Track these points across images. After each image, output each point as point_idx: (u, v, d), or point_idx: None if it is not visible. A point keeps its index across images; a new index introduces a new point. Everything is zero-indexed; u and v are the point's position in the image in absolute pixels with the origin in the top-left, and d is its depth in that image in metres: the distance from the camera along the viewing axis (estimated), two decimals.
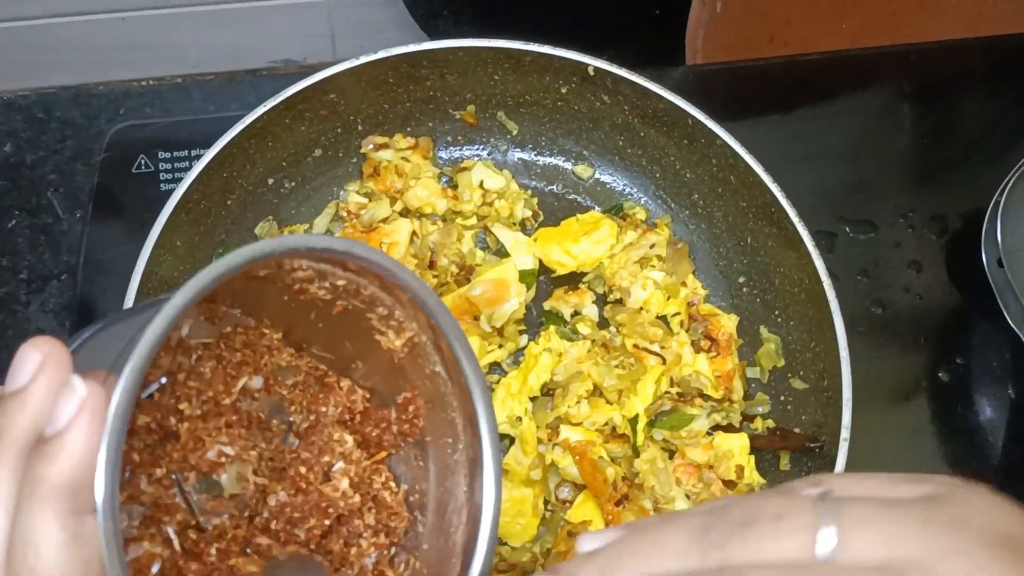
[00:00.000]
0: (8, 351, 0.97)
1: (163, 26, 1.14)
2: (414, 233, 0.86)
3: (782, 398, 0.83)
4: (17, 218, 1.04)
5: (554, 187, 0.93)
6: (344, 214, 0.88)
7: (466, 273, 0.83)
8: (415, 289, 0.45)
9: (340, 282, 0.47)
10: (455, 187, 0.89)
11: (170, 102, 1.15)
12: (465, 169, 0.89)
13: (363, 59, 0.83)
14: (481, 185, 0.88)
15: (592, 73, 0.85)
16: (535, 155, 0.94)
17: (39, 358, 0.36)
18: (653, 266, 0.86)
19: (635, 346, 0.82)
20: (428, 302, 0.46)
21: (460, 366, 0.47)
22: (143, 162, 0.99)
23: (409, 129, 0.91)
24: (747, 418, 0.82)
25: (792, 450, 0.80)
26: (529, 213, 0.89)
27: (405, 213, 0.88)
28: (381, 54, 0.83)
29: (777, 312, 0.85)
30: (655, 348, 0.82)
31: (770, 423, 0.82)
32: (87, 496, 0.32)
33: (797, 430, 0.80)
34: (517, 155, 0.94)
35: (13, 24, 1.09)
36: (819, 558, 0.29)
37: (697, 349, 0.84)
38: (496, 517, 0.46)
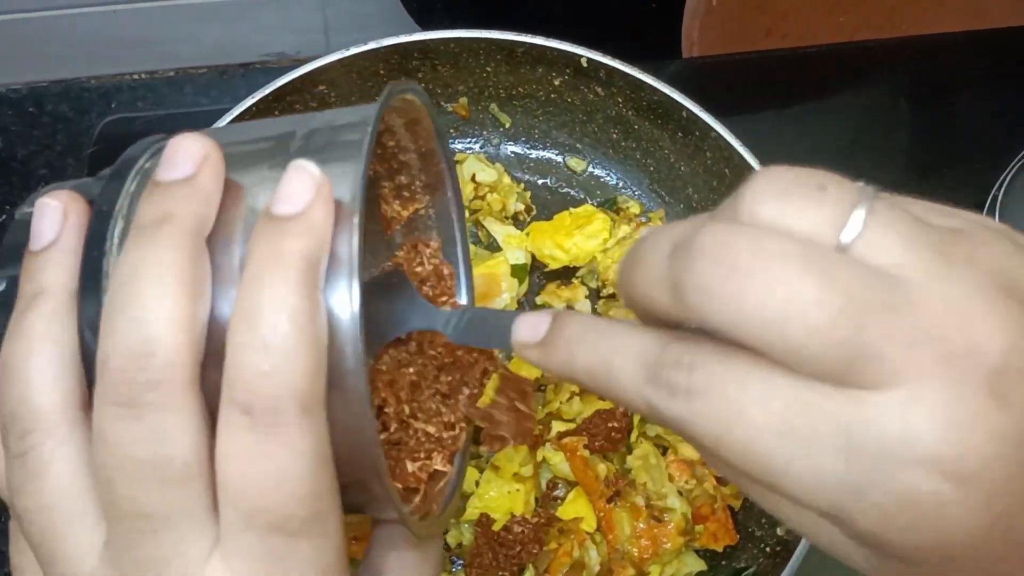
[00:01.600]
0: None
1: (155, 20, 1.13)
2: None
3: None
4: (8, 213, 1.03)
5: (547, 180, 0.92)
6: None
7: None
8: (448, 158, 0.47)
9: (390, 142, 0.47)
10: None
11: (162, 96, 1.14)
12: (457, 163, 0.88)
13: (353, 50, 0.82)
14: (473, 179, 0.87)
15: (585, 65, 0.84)
16: (528, 148, 0.93)
17: (199, 152, 0.33)
18: None
19: None
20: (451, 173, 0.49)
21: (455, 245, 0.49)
22: None
23: None
24: None
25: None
26: (522, 207, 0.88)
27: None
28: (371, 45, 0.82)
29: None
30: None
31: None
32: (321, 276, 0.32)
33: None
34: (510, 148, 0.93)
35: (3, 17, 1.08)
36: (840, 242, 0.28)
37: None
38: None
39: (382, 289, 0.46)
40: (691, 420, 0.29)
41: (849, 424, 0.27)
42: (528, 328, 0.35)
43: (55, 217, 0.34)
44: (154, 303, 0.30)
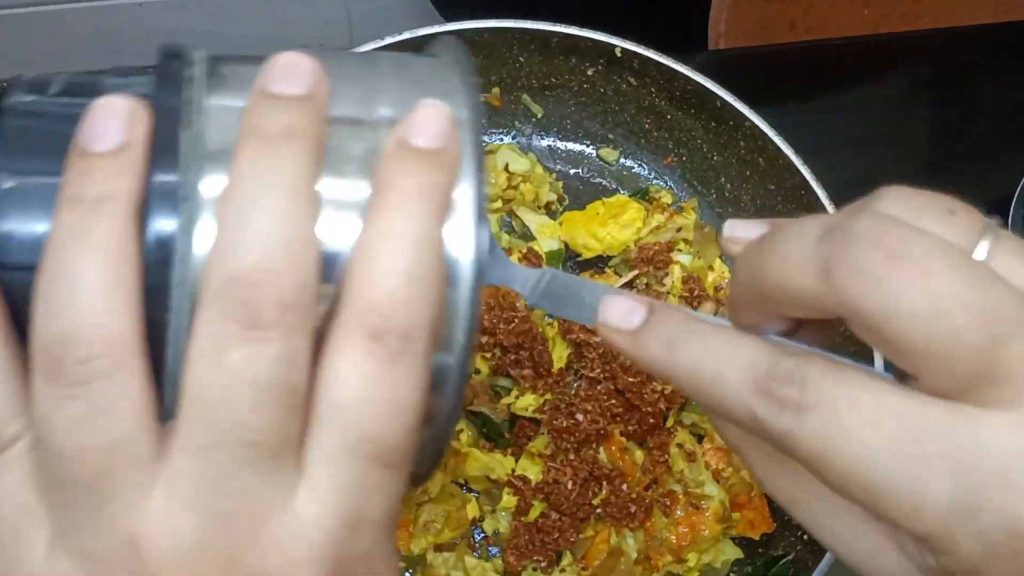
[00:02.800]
0: None
1: (179, 14, 1.13)
2: None
3: None
4: None
5: (579, 170, 0.92)
6: None
7: None
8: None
9: None
10: None
11: None
12: (490, 152, 0.89)
13: (387, 40, 0.82)
14: (506, 168, 0.87)
15: (619, 55, 0.84)
16: (560, 138, 0.93)
17: (316, 71, 0.32)
18: (680, 249, 0.85)
19: None
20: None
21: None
22: None
23: None
24: None
25: None
26: (554, 197, 0.88)
27: None
28: (406, 35, 0.82)
29: None
30: None
31: None
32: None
33: None
34: (542, 138, 0.93)
35: (29, 10, 1.08)
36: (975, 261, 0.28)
37: None
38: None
39: None
40: (798, 436, 0.28)
41: (962, 443, 0.26)
42: (620, 312, 0.34)
43: (123, 117, 0.30)
44: (280, 220, 0.28)
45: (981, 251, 0.28)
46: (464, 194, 0.33)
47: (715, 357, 0.31)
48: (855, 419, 0.27)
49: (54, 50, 1.11)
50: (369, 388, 0.29)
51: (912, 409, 0.27)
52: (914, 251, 0.27)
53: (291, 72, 0.31)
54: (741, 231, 0.36)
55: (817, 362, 0.29)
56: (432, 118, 0.32)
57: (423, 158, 0.31)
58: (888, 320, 0.27)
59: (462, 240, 0.32)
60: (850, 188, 0.95)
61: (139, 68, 0.36)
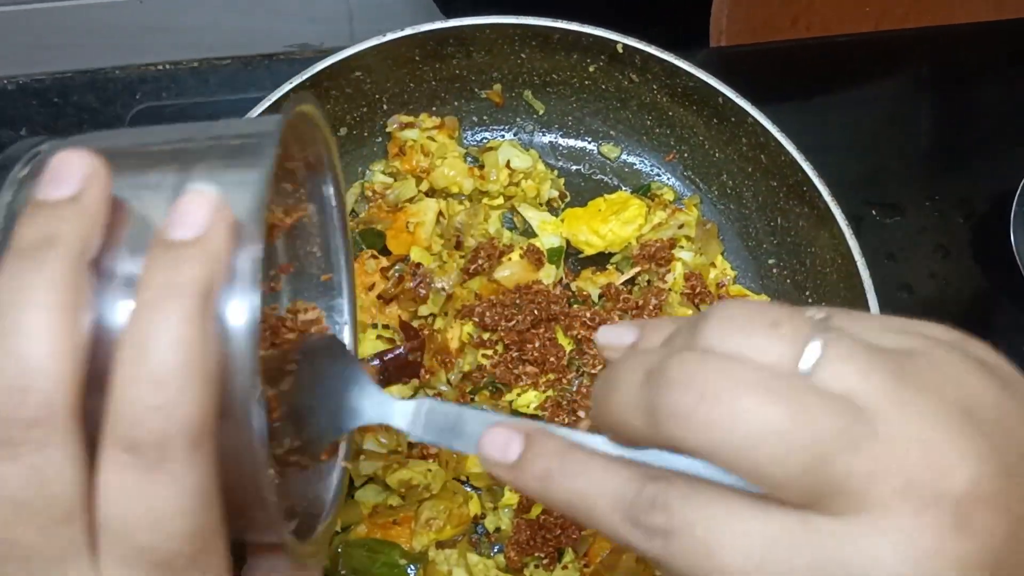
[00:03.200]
0: None
1: (180, 10, 1.13)
2: (440, 213, 0.85)
3: None
4: None
5: (581, 167, 0.92)
6: (369, 194, 0.87)
7: (495, 258, 0.81)
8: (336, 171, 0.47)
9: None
10: (481, 167, 0.88)
11: (187, 87, 1.14)
12: (491, 149, 0.88)
13: (390, 36, 0.82)
14: (508, 165, 0.87)
15: (621, 51, 0.84)
16: (561, 135, 0.93)
17: (85, 169, 0.31)
18: (682, 246, 0.85)
19: None
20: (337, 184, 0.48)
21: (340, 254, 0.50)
22: None
23: (435, 108, 0.90)
24: None
25: None
26: (556, 193, 0.88)
27: (431, 193, 0.87)
28: (408, 31, 0.82)
29: (808, 292, 0.84)
30: None
31: None
32: (216, 304, 0.30)
33: None
34: (543, 135, 0.93)
35: (30, 7, 1.07)
36: (800, 371, 0.29)
37: None
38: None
39: (320, 359, 0.43)
40: (669, 559, 0.30)
41: (818, 555, 0.28)
42: (498, 448, 0.35)
43: None
44: (31, 335, 0.28)
45: (807, 362, 0.29)
46: (240, 273, 0.31)
47: (585, 491, 0.32)
48: (720, 539, 0.29)
49: (51, 47, 1.11)
50: (132, 501, 0.28)
51: (770, 523, 0.28)
52: (723, 388, 0.28)
53: (58, 174, 0.31)
54: (612, 338, 0.37)
55: (679, 485, 0.30)
56: (188, 204, 0.31)
57: (174, 251, 0.30)
58: (714, 455, 0.28)
59: (236, 323, 0.30)
60: (853, 186, 0.96)
61: None
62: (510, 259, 0.80)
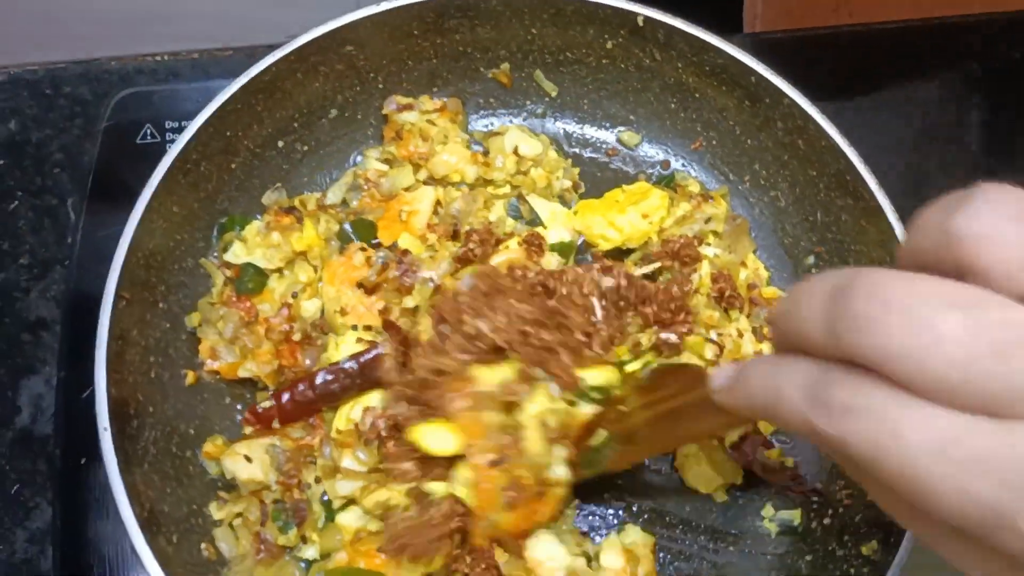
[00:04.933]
0: (6, 341, 0.90)
1: None
2: (438, 202, 0.77)
3: None
4: (19, 199, 0.96)
5: (597, 156, 0.83)
6: (362, 182, 0.79)
7: (490, 244, 0.73)
8: None
9: None
10: (486, 153, 0.80)
11: (185, 79, 1.07)
12: (498, 134, 0.80)
13: (385, 5, 0.74)
14: (516, 151, 0.79)
15: (642, 24, 0.76)
16: (576, 120, 0.84)
17: None
18: (708, 243, 0.76)
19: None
20: None
21: None
22: (148, 132, 0.91)
23: (435, 89, 0.82)
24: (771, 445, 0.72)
25: (796, 494, 0.72)
26: (569, 184, 0.80)
27: (430, 181, 0.79)
28: (406, 0, 0.74)
29: None
30: (711, 335, 0.72)
31: (788, 461, 0.72)
32: None
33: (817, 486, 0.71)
34: (556, 120, 0.84)
35: None
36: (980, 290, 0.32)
37: (760, 338, 0.73)
38: None
39: None
40: (849, 438, 0.32)
41: (1000, 452, 0.30)
42: (722, 376, 0.44)
43: None
44: None
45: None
46: None
47: (779, 377, 0.36)
48: (902, 421, 0.31)
49: (43, 34, 1.05)
50: None
51: (954, 417, 0.30)
52: (906, 296, 0.31)
53: None
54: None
55: (864, 372, 0.32)
56: None
57: None
58: (890, 362, 0.31)
59: None
60: (898, 185, 0.86)
61: None
62: (507, 247, 0.71)
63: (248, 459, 0.67)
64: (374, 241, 0.76)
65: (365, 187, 0.78)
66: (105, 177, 0.89)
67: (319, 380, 0.67)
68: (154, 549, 0.60)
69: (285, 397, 0.68)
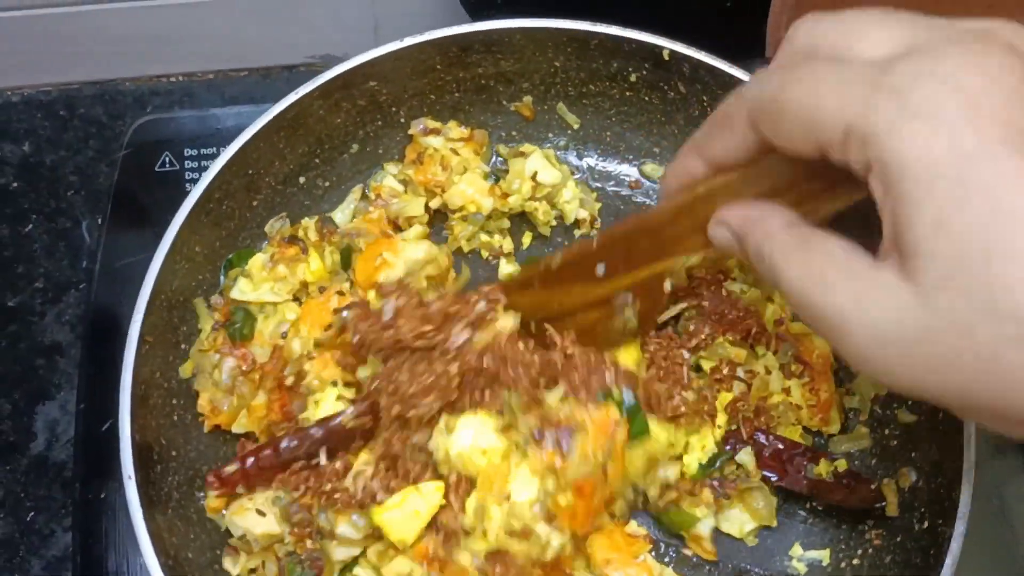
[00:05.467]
0: (21, 365, 0.90)
1: (195, 18, 1.06)
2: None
3: (886, 431, 0.71)
4: (34, 222, 0.96)
5: (620, 189, 0.82)
6: (372, 195, 0.78)
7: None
8: None
9: None
10: (506, 172, 0.79)
11: (200, 100, 1.07)
12: (522, 155, 0.79)
13: (408, 41, 0.74)
14: (534, 177, 0.78)
15: (667, 58, 0.75)
16: (598, 152, 0.83)
17: None
18: (733, 278, 0.75)
19: (714, 369, 0.71)
20: None
21: None
22: (167, 159, 0.90)
23: (458, 124, 0.81)
24: (819, 455, 0.71)
25: (850, 507, 0.70)
26: (586, 215, 0.79)
27: (442, 210, 0.79)
28: (428, 35, 0.74)
29: None
30: (738, 373, 0.71)
31: (841, 464, 0.71)
32: None
33: (872, 485, 0.70)
34: (579, 153, 0.83)
35: (33, 13, 1.01)
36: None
37: (788, 375, 0.72)
38: None
39: None
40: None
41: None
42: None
43: None
44: None
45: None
46: None
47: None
48: None
49: (57, 56, 1.04)
50: None
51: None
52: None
53: None
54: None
55: None
56: None
57: None
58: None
59: None
60: None
61: None
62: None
63: (261, 513, 0.66)
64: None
65: (372, 200, 0.78)
66: (124, 204, 0.88)
67: (283, 445, 0.66)
68: None
69: (249, 461, 0.66)
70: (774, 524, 0.71)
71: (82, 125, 1.04)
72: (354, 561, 0.65)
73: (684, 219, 0.55)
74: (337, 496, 0.64)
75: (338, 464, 0.66)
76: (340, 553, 0.64)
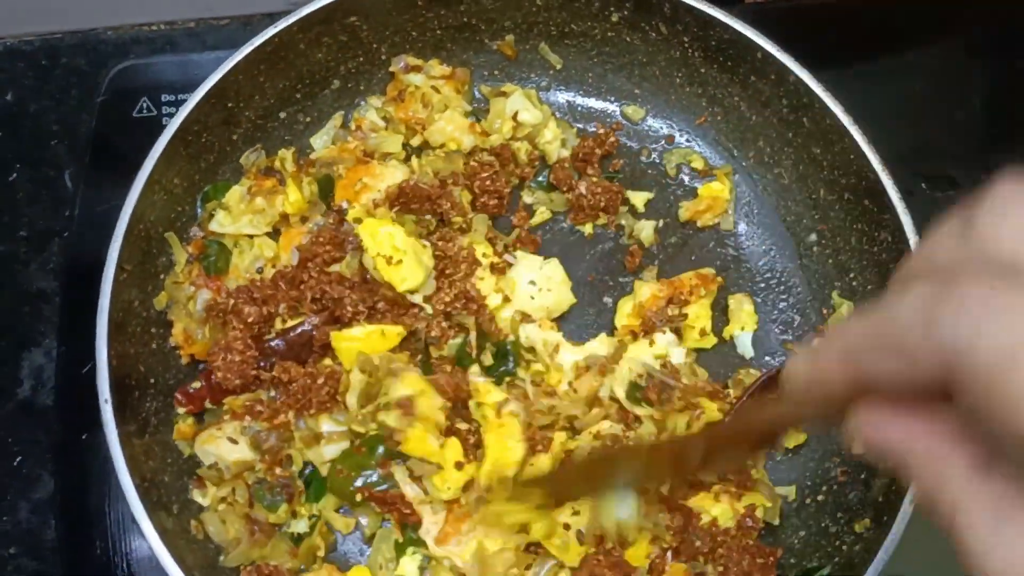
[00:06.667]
0: (6, 313, 0.90)
1: None
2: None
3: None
4: (18, 171, 0.95)
5: (601, 129, 0.82)
6: (352, 126, 0.78)
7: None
8: None
9: None
10: (486, 112, 0.79)
11: (181, 48, 1.06)
12: (503, 94, 0.79)
13: None
14: (515, 117, 0.78)
15: None
16: (580, 92, 0.83)
17: None
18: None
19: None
20: None
21: None
22: (145, 105, 0.89)
23: (440, 61, 0.81)
24: None
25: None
26: (567, 154, 0.79)
27: (423, 147, 0.79)
28: None
29: (852, 275, 0.75)
30: None
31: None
32: None
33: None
34: (560, 93, 0.83)
35: None
36: None
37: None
38: None
39: None
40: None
41: None
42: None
43: None
44: None
45: None
46: None
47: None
48: None
49: (40, 5, 1.03)
50: None
51: None
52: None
53: None
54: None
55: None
56: None
57: None
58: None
59: None
60: (901, 158, 0.85)
61: None
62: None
63: (233, 441, 0.66)
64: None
65: (352, 132, 0.78)
66: (102, 151, 0.88)
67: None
68: (153, 519, 0.60)
69: (215, 376, 0.67)
70: None
71: (64, 74, 1.03)
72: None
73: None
74: (312, 398, 0.65)
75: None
76: (329, 451, 0.65)
